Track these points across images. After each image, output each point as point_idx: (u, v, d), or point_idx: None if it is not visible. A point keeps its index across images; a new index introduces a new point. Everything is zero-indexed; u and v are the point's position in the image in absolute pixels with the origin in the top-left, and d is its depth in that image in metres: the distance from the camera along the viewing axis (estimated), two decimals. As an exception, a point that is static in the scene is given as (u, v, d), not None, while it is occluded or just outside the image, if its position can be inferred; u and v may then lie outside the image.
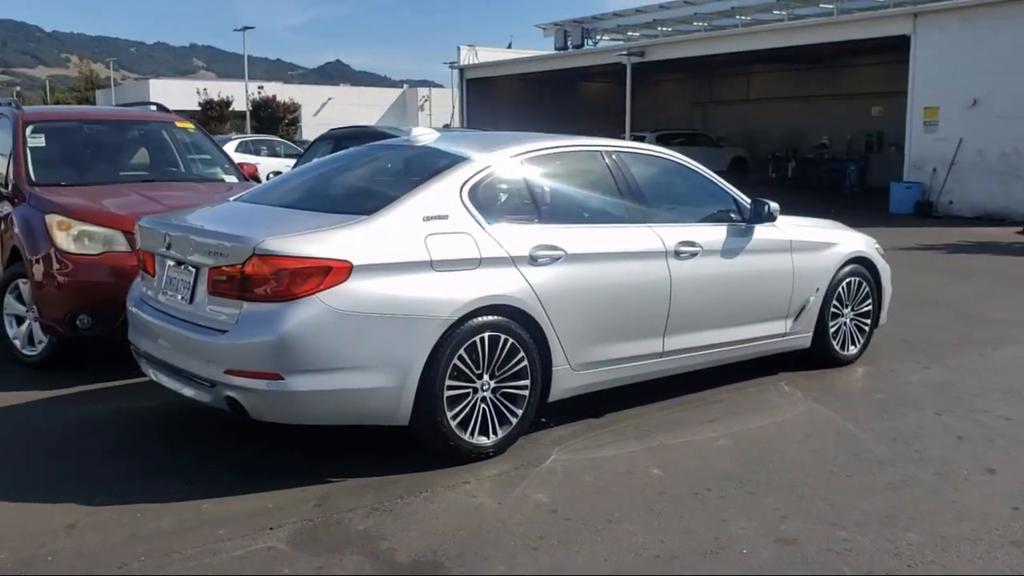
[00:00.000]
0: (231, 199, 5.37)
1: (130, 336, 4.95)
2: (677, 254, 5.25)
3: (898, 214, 19.32)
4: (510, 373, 4.54)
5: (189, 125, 7.80)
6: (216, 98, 47.90)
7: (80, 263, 5.76)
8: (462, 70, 32.72)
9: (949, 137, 19.14)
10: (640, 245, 5.13)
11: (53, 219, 5.86)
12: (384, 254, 4.20)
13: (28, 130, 6.84)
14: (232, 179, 7.41)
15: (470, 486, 4.22)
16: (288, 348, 3.97)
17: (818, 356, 6.30)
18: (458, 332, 4.31)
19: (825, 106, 30.12)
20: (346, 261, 4.08)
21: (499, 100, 32.45)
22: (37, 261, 5.84)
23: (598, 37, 31.76)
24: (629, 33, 31.20)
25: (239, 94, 48.97)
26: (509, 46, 38.13)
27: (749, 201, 5.81)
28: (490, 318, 4.43)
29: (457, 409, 4.37)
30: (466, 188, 4.61)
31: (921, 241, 14.68)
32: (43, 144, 6.92)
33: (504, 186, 4.84)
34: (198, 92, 49.27)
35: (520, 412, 4.60)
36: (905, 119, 20.78)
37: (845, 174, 26.50)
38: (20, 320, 6.24)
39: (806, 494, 4.15)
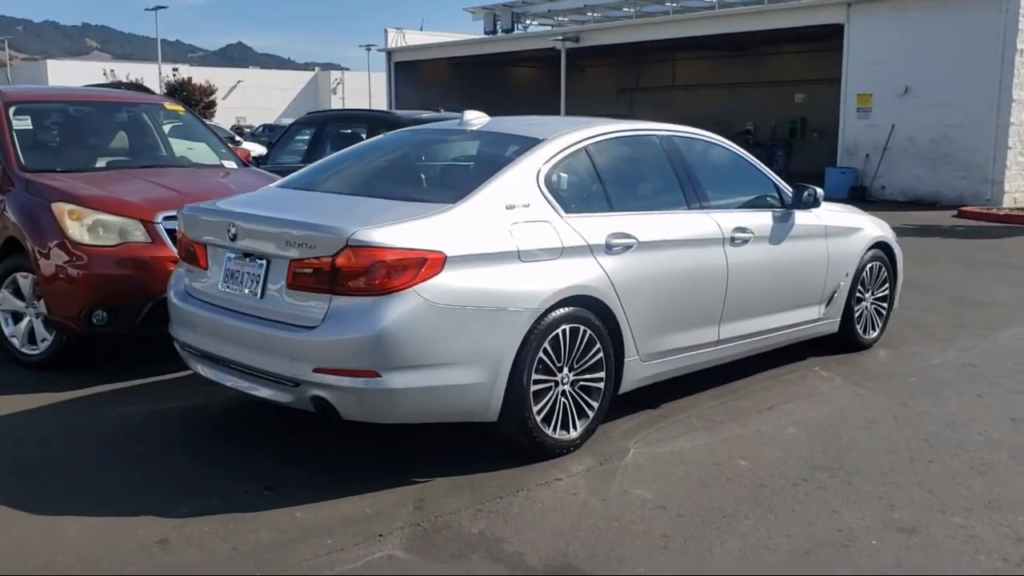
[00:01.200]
0: (273, 186, 5.07)
1: (175, 332, 4.63)
2: (732, 240, 5.20)
3: (833, 198, 19.78)
4: (588, 365, 4.42)
5: (179, 107, 7.36)
6: (125, 80, 45.80)
7: (96, 255, 5.36)
8: (390, 53, 32.15)
9: (881, 124, 19.74)
10: (701, 232, 5.05)
11: (63, 208, 5.43)
12: (475, 244, 4.01)
13: (11, 111, 6.34)
14: (231, 164, 7.03)
15: (564, 483, 4.09)
16: (386, 344, 3.76)
17: (843, 341, 6.36)
18: (543, 324, 4.16)
19: (750, 93, 30.71)
20: (440, 252, 3.88)
21: (427, 84, 32.04)
22: (46, 253, 5.41)
23: (528, 22, 31.63)
24: (558, 18, 31.16)
25: (148, 76, 46.98)
26: (421, 29, 37.60)
27: (789, 187, 5.81)
28: (571, 309, 4.29)
29: (541, 404, 4.23)
30: (542, 174, 4.45)
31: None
32: (29, 127, 6.43)
33: (575, 172, 4.70)
34: (105, 74, 47.07)
35: (596, 405, 4.49)
36: (827, 106, 21.35)
37: (774, 159, 27.06)
38: (17, 317, 5.78)
39: (899, 481, 4.15)
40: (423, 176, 4.83)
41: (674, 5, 27.44)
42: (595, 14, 29.20)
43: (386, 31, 32.19)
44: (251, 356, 4.09)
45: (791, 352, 6.13)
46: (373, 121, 8.62)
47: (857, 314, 6.38)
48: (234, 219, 4.20)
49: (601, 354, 4.45)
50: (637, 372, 4.74)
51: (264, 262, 4.10)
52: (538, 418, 4.21)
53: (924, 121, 19.02)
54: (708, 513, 3.78)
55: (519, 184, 4.34)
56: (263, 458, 4.35)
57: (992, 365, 6.19)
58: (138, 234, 5.45)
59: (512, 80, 34.34)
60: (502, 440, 4.26)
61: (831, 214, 6.12)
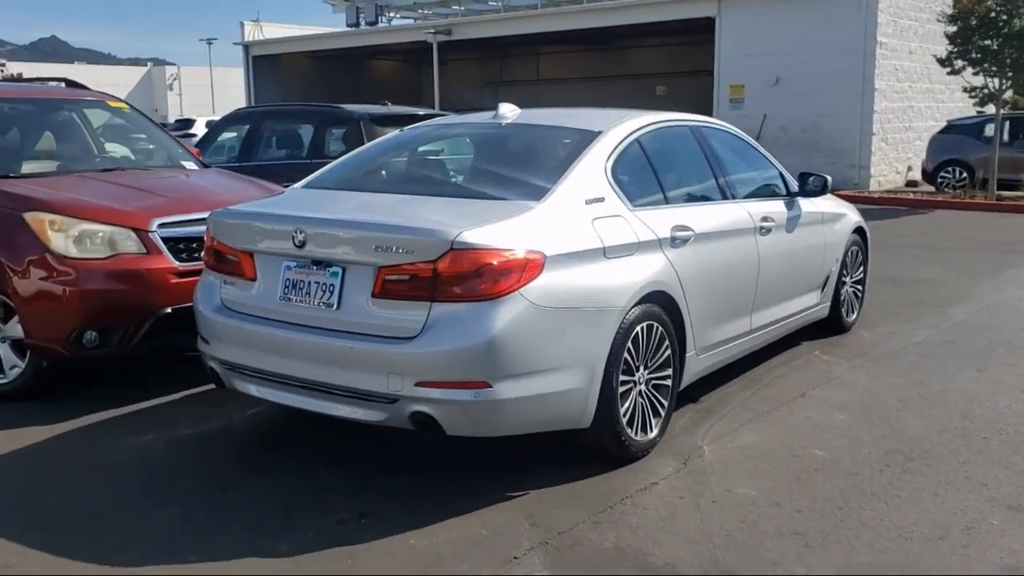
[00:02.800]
0: (300, 186, 4.66)
1: (210, 350, 4.19)
2: (761, 230, 5.22)
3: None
4: (659, 363, 4.31)
5: (123, 104, 6.70)
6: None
7: (86, 269, 4.78)
8: (247, 47, 30.83)
9: (754, 114, 20.55)
10: (739, 222, 5.04)
11: (41, 218, 4.82)
12: (568, 243, 3.82)
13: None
14: (191, 164, 6.47)
15: (662, 487, 3.95)
16: (498, 352, 3.51)
17: (830, 325, 6.52)
18: (626, 322, 4.02)
19: (613, 86, 31.31)
20: (540, 252, 3.67)
21: (287, 78, 30.97)
22: (23, 271, 4.79)
23: (392, 15, 31.09)
24: (423, 11, 30.79)
25: (-33, 72, 43.22)
26: (256, 20, 36.29)
27: (791, 175, 5.90)
28: (647, 306, 4.17)
29: (625, 406, 4.09)
30: (608, 167, 4.30)
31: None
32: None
33: (633, 164, 4.55)
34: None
35: (667, 403, 4.39)
36: (690, 97, 22.04)
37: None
38: (-24, 343, 5.11)
39: (973, 459, 4.25)
40: (483, 172, 4.57)
41: (540, 0, 27.62)
42: (461, 7, 29.02)
43: (242, 24, 30.86)
44: (329, 373, 3.74)
45: (784, 339, 6.22)
46: (321, 116, 8.14)
47: (841, 298, 6.55)
48: (302, 224, 3.81)
49: (669, 351, 4.35)
50: (693, 367, 4.68)
51: (339, 270, 3.76)
52: (624, 420, 4.07)
53: (795, 111, 19.93)
54: (822, 506, 3.75)
55: (592, 178, 4.18)
56: (329, 482, 3.99)
57: (968, 341, 6.49)
58: (131, 244, 4.90)
59: (376, 73, 33.72)
60: (591, 446, 4.09)
61: (823, 201, 6.25)
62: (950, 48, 16.25)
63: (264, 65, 31.12)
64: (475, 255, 3.51)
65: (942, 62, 16.55)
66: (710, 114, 21.79)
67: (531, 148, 4.64)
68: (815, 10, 19.41)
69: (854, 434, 4.59)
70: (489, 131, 4.82)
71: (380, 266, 3.63)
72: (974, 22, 15.71)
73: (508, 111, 4.86)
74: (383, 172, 4.72)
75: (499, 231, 3.62)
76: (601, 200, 4.13)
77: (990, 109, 16.59)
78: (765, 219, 5.28)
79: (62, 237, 4.80)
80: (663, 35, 27.07)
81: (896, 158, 20.46)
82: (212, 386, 5.18)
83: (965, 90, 16.30)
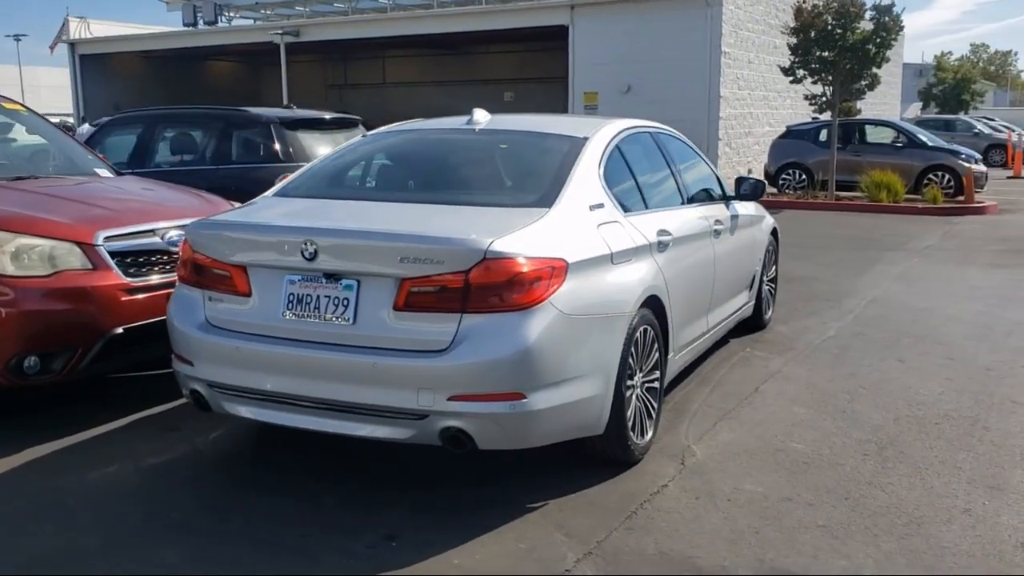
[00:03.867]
0: (273, 195, 4.41)
1: (194, 372, 3.90)
2: (714, 232, 5.39)
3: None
4: (650, 366, 4.37)
5: (18, 106, 6.12)
6: None
7: (24, 288, 4.34)
8: (73, 45, 28.78)
9: (608, 119, 21.12)
10: (700, 225, 5.19)
11: (-31, 232, 4.35)
12: (583, 249, 3.81)
13: None
14: (104, 171, 5.99)
15: (672, 489, 4.00)
16: (532, 362, 3.46)
17: (752, 322, 6.82)
18: (631, 327, 4.06)
19: (460, 91, 31.37)
20: (563, 260, 3.64)
21: (118, 78, 29.18)
22: (-51, 291, 4.30)
23: (231, 14, 29.90)
24: (264, 11, 29.78)
25: None
26: (82, 17, 34.26)
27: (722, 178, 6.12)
28: (644, 310, 4.23)
29: (628, 411, 4.12)
30: (601, 173, 4.33)
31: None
32: None
33: (618, 170, 4.58)
34: None
35: (657, 405, 4.46)
36: (540, 104, 22.46)
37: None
38: None
39: (936, 444, 4.53)
40: (479, 179, 4.45)
41: (389, 2, 27.34)
42: (305, 8, 28.29)
43: (67, 20, 28.79)
44: (348, 391, 3.56)
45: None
46: (226, 120, 7.71)
47: (762, 296, 6.86)
48: (313, 235, 3.60)
49: (658, 354, 4.42)
50: (671, 368, 4.77)
51: (354, 283, 3.59)
52: (628, 424, 4.10)
53: (647, 117, 20.53)
54: (828, 498, 3.90)
55: (591, 183, 4.19)
56: (334, 502, 3.81)
57: (875, 333, 6.94)
58: (75, 260, 4.49)
59: (213, 75, 32.36)
60: (598, 452, 4.09)
61: (748, 203, 6.52)
62: (792, 58, 17.31)
63: (92, 65, 29.16)
64: (508, 264, 3.44)
65: (785, 71, 17.62)
66: None
67: (520, 154, 4.58)
68: (664, 21, 20.20)
69: (820, 427, 4.81)
70: (471, 137, 4.73)
71: (403, 278, 3.49)
72: (813, 35, 16.82)
73: (481, 117, 4.79)
74: (370, 180, 4.55)
75: (526, 239, 3.56)
76: (601, 206, 4.15)
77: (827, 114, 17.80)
78: (717, 222, 5.46)
79: (-3, 253, 4.34)
80: (512, 41, 27.40)
81: (738, 162, 21.58)
82: (158, 409, 4.87)
83: (806, 97, 17.41)
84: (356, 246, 3.60)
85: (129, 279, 4.61)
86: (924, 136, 19.08)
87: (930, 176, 17.93)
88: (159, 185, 5.81)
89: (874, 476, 4.14)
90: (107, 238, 4.59)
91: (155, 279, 4.73)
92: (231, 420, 4.75)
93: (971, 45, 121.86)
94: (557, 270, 3.59)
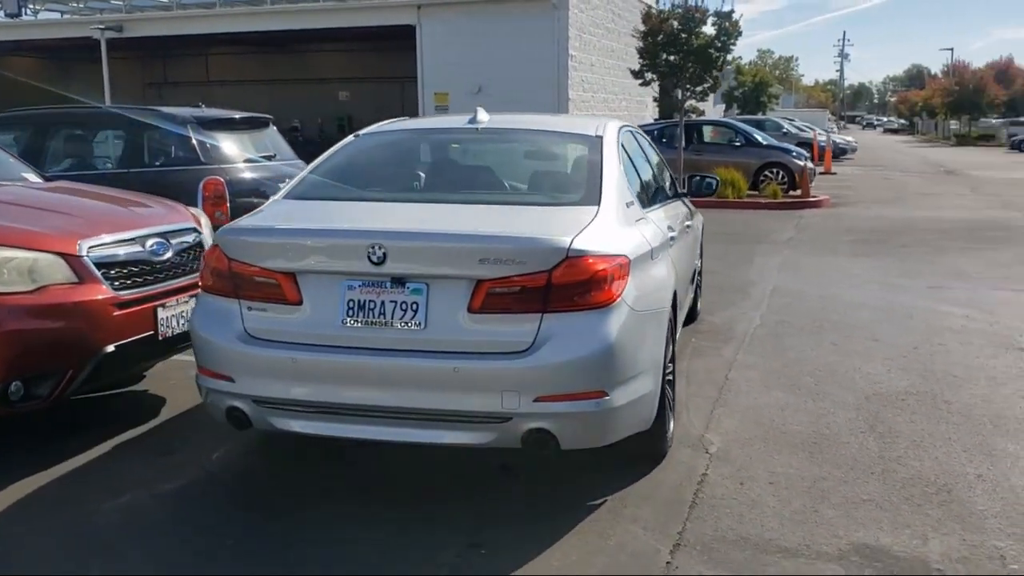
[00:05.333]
0: (282, 198, 4.16)
1: (239, 388, 3.62)
2: (686, 228, 5.58)
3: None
4: (669, 359, 4.48)
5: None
6: None
7: (7, 307, 3.89)
8: None
9: (459, 120, 21.20)
10: (679, 222, 5.34)
11: (-61, 245, 3.85)
12: (636, 246, 3.85)
13: None
14: (32, 176, 5.44)
15: (714, 477, 4.11)
16: (614, 359, 3.48)
17: (690, 313, 7.08)
18: (669, 320, 4.16)
19: (292, 90, 30.58)
20: (627, 256, 3.67)
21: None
22: (-79, 313, 3.79)
23: (37, 7, 27.60)
24: (73, 4, 27.68)
25: None
26: None
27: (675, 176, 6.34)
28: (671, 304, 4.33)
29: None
30: (621, 170, 4.38)
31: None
32: None
33: (627, 167, 4.62)
34: None
35: (674, 397, 4.57)
36: (376, 103, 22.21)
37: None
38: None
39: (916, 419, 4.90)
40: (514, 177, 4.38)
41: (216, -3, 26.13)
42: (122, 3, 26.54)
43: None
44: (425, 398, 3.43)
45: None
46: (136, 121, 7.13)
47: (698, 288, 7.15)
48: (381, 239, 3.44)
49: (672, 346, 4.54)
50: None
51: (423, 286, 3.47)
52: (666, 418, 4.19)
53: (498, 118, 20.84)
54: (858, 474, 4.12)
55: (620, 182, 4.23)
56: (404, 518, 3.66)
57: (796, 321, 7.39)
58: (59, 273, 4.07)
59: (14, 71, 29.74)
60: (636, 449, 4.09)
61: (689, 200, 6.77)
62: (641, 61, 18.02)
63: None
64: (587, 262, 3.44)
65: (635, 74, 18.31)
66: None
67: (544, 153, 4.57)
68: (512, 22, 20.49)
69: (805, 408, 5.09)
70: (484, 136, 4.65)
71: (480, 279, 3.41)
72: (661, 38, 17.59)
73: (483, 116, 4.72)
74: (401, 181, 4.39)
75: (595, 237, 3.57)
76: (631, 203, 4.21)
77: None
78: (686, 216, 5.65)
79: (-27, 268, 3.87)
80: (348, 40, 26.94)
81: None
82: (132, 432, 4.57)
83: (655, 99, 18.17)
84: (430, 248, 3.48)
85: (117, 292, 4.23)
86: (759, 135, 20.38)
87: (766, 173, 19.16)
88: (106, 190, 5.35)
89: (882, 451, 4.43)
90: (91, 248, 4.19)
91: (143, 291, 4.37)
92: (229, 439, 4.49)
93: (758, 51, 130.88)
94: (623, 267, 3.62)
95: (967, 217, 15.45)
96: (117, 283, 4.26)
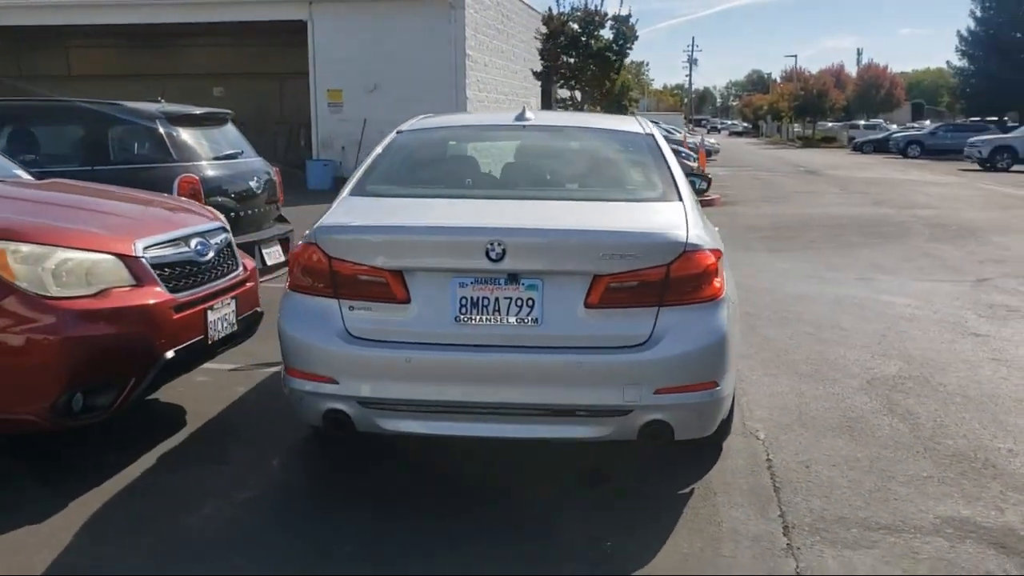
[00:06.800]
0: (348, 194, 4.05)
1: (344, 391, 3.51)
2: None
3: (318, 190, 20.43)
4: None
5: None
6: None
7: (70, 312, 3.62)
8: None
9: (354, 118, 20.91)
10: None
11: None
12: (718, 241, 3.97)
13: None
14: (23, 174, 5.05)
15: (777, 463, 4.28)
16: (724, 350, 3.58)
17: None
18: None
19: (163, 86, 29.21)
20: (720, 250, 3.78)
21: None
22: (-21, 320, 3.48)
23: None
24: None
25: None
26: None
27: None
28: (721, 298, 4.47)
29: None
30: (679, 165, 4.49)
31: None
32: None
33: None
34: None
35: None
36: (250, 100, 21.72)
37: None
38: None
39: (934, 399, 5.25)
40: (589, 175, 4.39)
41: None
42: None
43: None
44: (543, 393, 3.43)
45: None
46: (98, 116, 6.67)
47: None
48: (502, 235, 3.41)
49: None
50: None
51: (538, 282, 3.46)
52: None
53: (395, 116, 20.16)
54: (905, 452, 4.39)
55: (684, 178, 4.33)
56: (507, 518, 3.66)
57: (760, 311, 7.71)
58: (119, 275, 3.82)
59: None
60: (708, 439, 4.21)
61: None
62: (544, 63, 18.28)
63: None
64: (701, 256, 3.53)
65: (537, 75, 18.54)
66: (308, 118, 21.74)
67: (603, 150, 4.60)
68: (407, 20, 20.36)
69: (818, 394, 5.35)
70: (540, 134, 4.66)
71: (598, 274, 3.44)
72: (563, 40, 17.90)
73: (530, 114, 4.72)
74: (475, 178, 4.34)
75: (700, 231, 3.66)
76: (694, 199, 4.32)
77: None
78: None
79: (34, 271, 3.58)
80: (225, 34, 26.02)
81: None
82: (170, 443, 4.39)
83: (557, 100, 18.46)
84: (552, 244, 3.49)
85: (174, 294, 4.01)
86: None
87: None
88: (120, 189, 5.03)
89: (914, 432, 4.72)
90: (146, 248, 3.96)
91: (194, 293, 4.16)
92: (276, 444, 4.36)
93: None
94: (721, 260, 3.73)
95: (853, 213, 16.43)
96: (171, 284, 4.04)
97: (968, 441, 4.57)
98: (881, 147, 45.27)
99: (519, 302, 3.47)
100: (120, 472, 4.03)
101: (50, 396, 3.57)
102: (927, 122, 60.50)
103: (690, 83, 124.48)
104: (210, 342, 4.26)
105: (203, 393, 5.12)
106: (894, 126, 58.17)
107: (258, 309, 4.82)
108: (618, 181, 4.39)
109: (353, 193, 4.10)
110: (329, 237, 3.57)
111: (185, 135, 6.77)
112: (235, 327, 4.50)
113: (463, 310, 3.47)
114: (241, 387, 5.28)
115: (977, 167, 31.63)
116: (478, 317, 3.47)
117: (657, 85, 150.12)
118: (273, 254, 6.99)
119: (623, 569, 3.25)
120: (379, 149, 4.51)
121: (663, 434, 3.54)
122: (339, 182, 20.18)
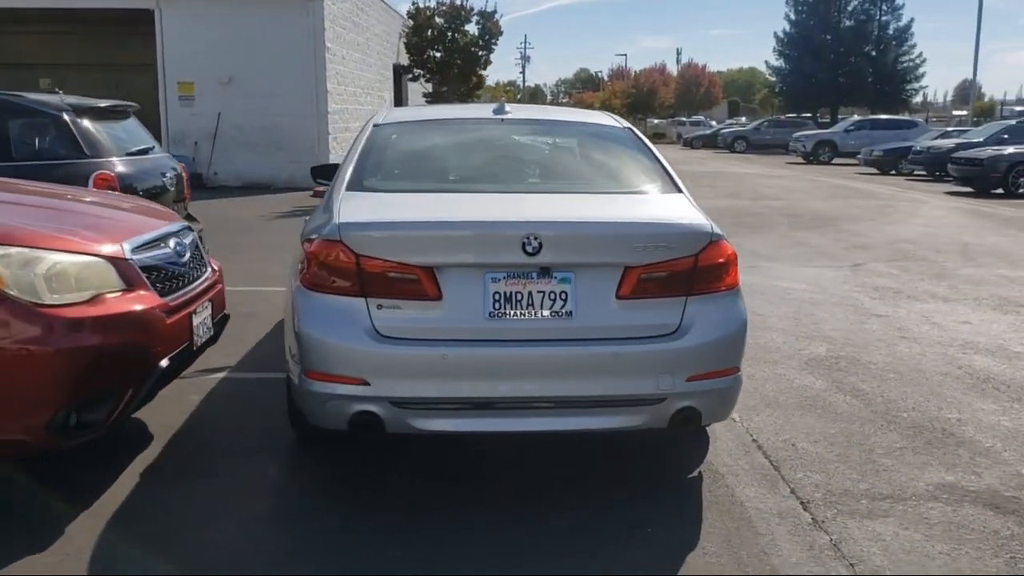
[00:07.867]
0: (345, 190, 3.88)
1: (375, 391, 3.38)
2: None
3: (171, 189, 19.49)
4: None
5: None
6: None
7: (65, 320, 3.30)
8: None
9: (208, 112, 20.00)
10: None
11: (-18, 250, 3.20)
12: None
13: None
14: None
15: (762, 440, 4.47)
16: (744, 336, 3.71)
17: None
18: None
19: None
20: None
21: None
22: (-34, 331, 3.13)
23: None
24: None
25: None
26: None
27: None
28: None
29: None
30: (662, 160, 4.59)
31: (272, 209, 15.63)
32: None
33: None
34: None
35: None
36: (82, 92, 20.55)
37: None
38: None
39: (865, 377, 5.61)
40: (590, 168, 4.38)
41: None
42: None
43: None
44: (579, 385, 3.44)
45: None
46: (5, 109, 6.08)
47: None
48: (538, 229, 3.37)
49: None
50: None
51: (570, 275, 3.47)
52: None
53: (250, 110, 19.92)
54: (874, 428, 4.69)
55: (672, 170, 4.42)
56: (546, 513, 3.65)
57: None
58: (109, 279, 3.52)
59: None
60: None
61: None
62: (411, 57, 18.12)
63: None
64: (725, 246, 3.64)
65: (404, 69, 18.36)
66: (156, 110, 20.58)
67: (599, 145, 4.62)
68: (262, 12, 19.64)
69: (768, 376, 5.61)
70: (526, 127, 4.62)
71: (630, 266, 3.48)
72: (430, 34, 17.82)
73: (510, 108, 4.69)
74: (474, 171, 4.23)
75: (713, 222, 3.76)
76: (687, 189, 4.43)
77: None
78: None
79: (24, 276, 3.26)
80: (56, 22, 24.30)
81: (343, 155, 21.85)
82: (148, 456, 4.19)
83: (425, 95, 18.36)
84: (588, 237, 3.50)
85: (164, 298, 3.74)
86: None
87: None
88: (71, 188, 4.63)
89: (870, 407, 5.02)
90: (134, 250, 3.67)
91: (179, 297, 3.89)
92: (263, 453, 4.18)
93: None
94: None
95: (712, 205, 17.04)
96: (158, 288, 3.77)
97: (920, 413, 4.91)
98: (710, 143, 47.58)
99: (552, 295, 3.46)
100: (106, 492, 3.73)
101: (46, 412, 3.26)
102: (743, 118, 64.27)
103: (524, 80, 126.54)
104: (195, 348, 4.01)
105: (157, 404, 4.77)
106: (714, 122, 61.37)
107: (226, 312, 4.57)
108: (622, 175, 4.45)
109: (351, 189, 3.95)
110: (357, 234, 3.43)
111: (94, 129, 6.30)
112: (212, 331, 4.25)
113: (496, 305, 3.43)
114: (195, 395, 4.99)
115: (801, 160, 33.84)
116: (512, 312, 3.44)
117: (490, 82, 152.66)
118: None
119: (678, 554, 3.30)
120: (361, 143, 4.36)
121: (692, 420, 3.62)
122: (196, 178, 19.41)
